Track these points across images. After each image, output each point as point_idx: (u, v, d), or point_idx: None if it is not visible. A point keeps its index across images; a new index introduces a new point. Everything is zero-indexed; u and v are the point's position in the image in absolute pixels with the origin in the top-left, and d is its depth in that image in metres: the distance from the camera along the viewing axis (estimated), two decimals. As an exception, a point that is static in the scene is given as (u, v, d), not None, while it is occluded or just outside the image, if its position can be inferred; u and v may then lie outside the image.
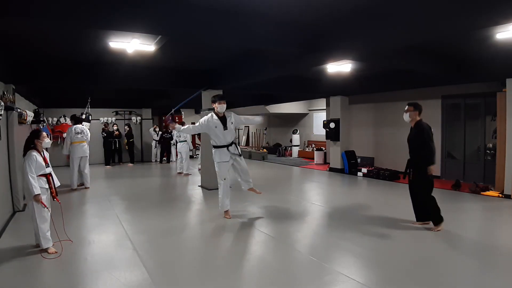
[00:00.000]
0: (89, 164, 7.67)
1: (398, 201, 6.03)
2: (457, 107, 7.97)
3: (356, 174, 9.02)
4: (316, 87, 9.02)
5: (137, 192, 7.35)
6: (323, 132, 11.21)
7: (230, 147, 4.91)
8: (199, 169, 9.34)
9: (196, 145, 12.79)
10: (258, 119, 5.29)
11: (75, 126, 7.48)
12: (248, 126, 18.13)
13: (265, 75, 5.98)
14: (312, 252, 3.76)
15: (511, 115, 6.00)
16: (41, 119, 9.05)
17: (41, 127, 8.71)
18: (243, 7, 3.54)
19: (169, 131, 12.37)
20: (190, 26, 3.52)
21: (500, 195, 6.14)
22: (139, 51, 4.71)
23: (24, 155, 3.70)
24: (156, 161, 12.96)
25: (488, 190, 6.45)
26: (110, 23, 3.23)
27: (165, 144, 12.60)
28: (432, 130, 4.33)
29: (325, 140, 11.33)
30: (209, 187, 7.10)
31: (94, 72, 6.25)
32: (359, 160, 9.70)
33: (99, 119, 12.21)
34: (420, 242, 3.98)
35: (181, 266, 3.48)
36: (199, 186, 7.68)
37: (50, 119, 11.47)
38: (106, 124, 12.13)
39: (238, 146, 5.11)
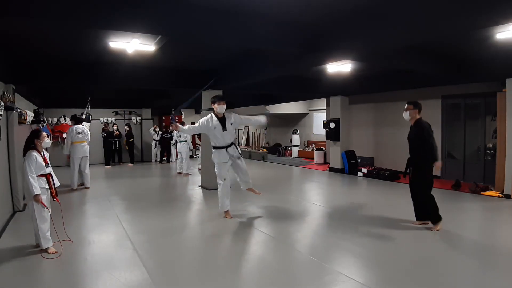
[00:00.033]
0: (89, 164, 7.67)
1: (398, 201, 6.03)
2: (457, 107, 7.96)
3: (356, 174, 9.02)
4: (316, 87, 9.02)
5: (137, 192, 7.35)
6: (323, 132, 11.21)
7: (229, 148, 4.91)
8: (199, 169, 9.34)
9: (196, 145, 12.79)
10: (263, 119, 5.11)
11: (75, 126, 7.48)
12: (248, 126, 18.13)
13: (265, 75, 5.99)
14: (312, 252, 3.76)
15: (511, 115, 6.00)
16: (41, 119, 9.05)
17: (41, 127, 8.71)
18: (243, 7, 3.54)
19: (169, 131, 12.38)
20: (190, 26, 3.52)
21: (500, 195, 6.14)
22: (139, 51, 4.71)
23: (24, 155, 3.70)
24: (156, 161, 12.96)
25: (488, 190, 6.45)
26: (110, 23, 3.23)
27: (165, 144, 12.60)
28: (432, 129, 4.33)
29: (325, 140, 11.33)
30: (209, 187, 7.10)
31: (94, 72, 6.25)
32: (359, 160, 9.70)
33: (99, 119, 12.21)
34: (420, 242, 3.98)
35: (181, 266, 3.48)
36: (199, 186, 7.69)
37: (50, 119, 11.47)
38: (106, 124, 12.13)
39: (238, 147, 5.10)
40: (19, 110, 5.80)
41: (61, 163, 10.58)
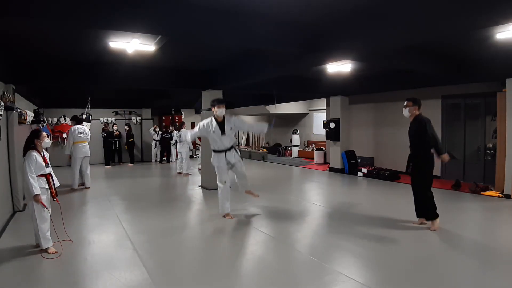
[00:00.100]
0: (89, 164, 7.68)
1: (398, 201, 6.04)
2: (457, 107, 7.96)
3: (356, 174, 9.02)
4: (316, 87, 9.02)
5: (137, 192, 7.35)
6: (323, 132, 11.21)
7: (228, 153, 4.89)
8: (199, 169, 9.34)
9: (196, 145, 12.79)
10: (265, 129, 5.04)
11: (77, 126, 7.49)
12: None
13: (265, 75, 5.98)
14: (312, 252, 3.76)
15: (511, 115, 6.00)
16: (41, 119, 9.06)
17: (41, 127, 8.72)
18: (243, 7, 3.54)
19: (169, 131, 12.38)
20: (190, 26, 3.52)
21: (500, 195, 6.14)
22: (139, 51, 4.70)
23: (24, 155, 3.70)
24: (156, 161, 12.96)
25: (488, 190, 6.45)
26: (110, 23, 3.23)
27: (165, 144, 12.60)
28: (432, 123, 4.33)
29: (325, 140, 11.33)
30: (209, 187, 7.10)
31: (94, 72, 6.25)
32: (359, 160, 9.70)
33: (99, 119, 12.22)
34: (420, 242, 3.98)
35: (181, 266, 3.48)
36: (199, 186, 7.69)
37: (50, 119, 11.47)
38: (106, 124, 12.13)
39: (237, 151, 5.07)
40: (19, 110, 5.80)
41: (61, 163, 10.58)
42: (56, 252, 3.65)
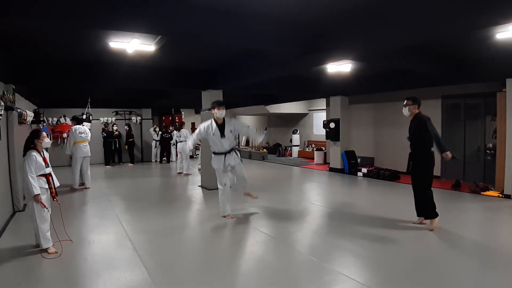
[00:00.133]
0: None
1: (398, 201, 6.04)
2: (457, 107, 7.96)
3: (356, 174, 9.02)
4: (316, 87, 9.01)
5: (137, 192, 7.35)
6: (323, 132, 11.21)
7: (228, 155, 4.89)
8: (199, 169, 9.34)
9: (196, 145, 12.79)
10: (260, 138, 5.23)
11: (77, 126, 7.50)
12: (248, 126, 18.10)
13: (265, 75, 5.99)
14: (312, 252, 3.76)
15: (511, 115, 6.00)
16: (41, 119, 9.06)
17: (41, 127, 8.72)
18: (243, 7, 3.54)
19: (169, 131, 12.38)
20: (190, 26, 3.52)
21: (500, 195, 6.14)
22: (139, 51, 4.70)
23: (24, 155, 3.70)
24: (156, 161, 12.96)
25: (488, 190, 6.45)
26: (110, 23, 3.22)
27: (165, 144, 12.60)
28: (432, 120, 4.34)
29: (325, 140, 11.33)
30: (209, 187, 7.10)
31: (94, 72, 6.25)
32: (359, 160, 9.70)
33: (99, 119, 12.22)
34: (420, 242, 3.98)
35: (181, 266, 3.48)
36: (199, 186, 7.69)
37: (50, 119, 11.47)
38: (106, 124, 12.13)
39: (238, 153, 5.06)
40: (19, 110, 5.80)
41: (61, 163, 10.58)
42: (56, 252, 3.65)
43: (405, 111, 4.46)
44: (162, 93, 11.34)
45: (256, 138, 5.28)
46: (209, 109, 5.65)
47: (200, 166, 8.80)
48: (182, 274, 3.28)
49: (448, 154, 4.19)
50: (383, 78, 7.81)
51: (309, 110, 14.43)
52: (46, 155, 3.90)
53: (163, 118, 15.03)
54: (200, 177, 8.06)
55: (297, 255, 3.70)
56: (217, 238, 4.32)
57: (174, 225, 4.83)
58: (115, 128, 12.12)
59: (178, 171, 9.81)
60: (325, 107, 11.61)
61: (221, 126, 4.83)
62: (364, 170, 8.87)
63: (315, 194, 7.24)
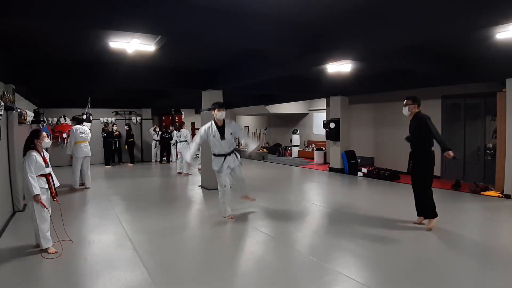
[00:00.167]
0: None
1: (398, 201, 6.04)
2: (457, 107, 7.96)
3: (356, 174, 9.02)
4: (316, 87, 9.01)
5: (137, 192, 7.35)
6: (323, 132, 11.21)
7: (228, 157, 4.90)
8: (199, 169, 9.34)
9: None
10: (253, 145, 5.13)
11: (78, 126, 7.50)
12: (248, 126, 18.14)
13: (265, 75, 5.99)
14: (312, 252, 3.76)
15: (511, 115, 6.00)
16: (41, 119, 9.06)
17: (41, 127, 8.72)
18: (243, 7, 3.54)
19: (169, 131, 12.38)
20: (190, 26, 3.52)
21: (500, 195, 6.14)
22: (139, 51, 4.70)
23: (24, 155, 3.70)
24: (156, 161, 12.96)
25: (488, 190, 6.45)
26: (110, 23, 3.23)
27: (165, 144, 12.60)
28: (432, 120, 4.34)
29: (325, 140, 11.32)
30: (209, 187, 7.10)
31: (94, 72, 6.25)
32: (359, 160, 9.70)
33: (99, 119, 12.22)
34: (420, 242, 3.98)
35: (181, 266, 3.48)
36: (199, 186, 7.69)
37: (50, 119, 11.47)
38: (106, 124, 12.13)
39: (238, 155, 5.06)
40: (19, 110, 5.80)
41: (61, 163, 10.57)
42: (56, 252, 3.65)
43: (405, 110, 4.47)
44: (162, 93, 11.34)
45: (249, 144, 5.18)
46: (209, 109, 5.64)
47: (200, 166, 8.80)
48: (182, 274, 3.28)
49: (450, 153, 4.17)
50: (383, 78, 7.81)
51: (309, 110, 14.43)
52: (46, 155, 3.90)
53: (163, 118, 15.03)
54: (200, 177, 8.05)
55: (297, 255, 3.70)
56: (217, 238, 4.32)
57: (174, 225, 4.83)
58: (115, 128, 12.12)
59: (178, 171, 9.81)
60: (325, 107, 11.61)
61: (221, 128, 4.84)
62: (364, 170, 8.87)
63: (315, 194, 7.24)
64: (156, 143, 12.84)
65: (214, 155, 4.96)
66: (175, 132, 10.75)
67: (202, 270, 3.37)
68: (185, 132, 9.75)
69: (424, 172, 4.35)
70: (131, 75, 6.51)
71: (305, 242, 4.19)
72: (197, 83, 7.21)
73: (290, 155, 13.99)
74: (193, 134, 13.64)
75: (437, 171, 6.93)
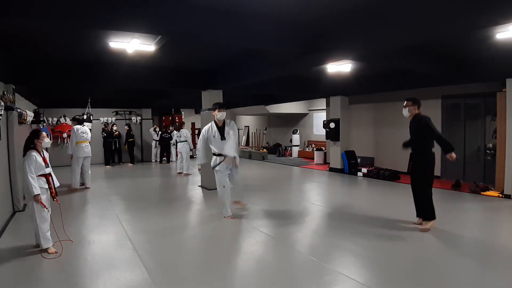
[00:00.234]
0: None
1: (398, 201, 6.04)
2: (457, 107, 7.97)
3: (356, 174, 9.02)
4: (316, 87, 9.02)
5: (137, 192, 7.35)
6: (323, 132, 11.21)
7: (228, 157, 4.90)
8: (199, 169, 9.34)
9: (196, 145, 12.80)
10: (231, 152, 4.86)
11: (79, 126, 7.50)
12: (248, 126, 18.15)
13: (265, 75, 5.99)
14: (312, 252, 3.76)
15: (511, 115, 6.00)
16: (41, 119, 9.06)
17: (41, 127, 8.72)
18: (243, 7, 3.54)
19: (169, 131, 12.38)
20: (190, 26, 3.52)
21: (500, 195, 6.14)
22: (139, 51, 4.70)
23: (24, 155, 3.70)
24: (156, 161, 12.96)
25: (488, 190, 6.45)
26: (110, 23, 3.23)
27: (165, 144, 12.60)
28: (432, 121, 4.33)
29: (325, 140, 11.33)
30: (209, 187, 7.09)
31: (94, 72, 6.25)
32: (359, 160, 9.70)
33: (99, 119, 12.22)
34: (420, 242, 3.98)
35: (181, 266, 3.48)
36: (199, 186, 7.69)
37: (50, 119, 11.47)
38: (106, 124, 12.13)
39: (237, 157, 5.03)
40: (19, 110, 5.80)
41: (61, 163, 10.56)
42: (56, 252, 3.65)
43: (405, 112, 4.46)
44: (162, 93, 11.34)
45: (230, 149, 4.89)
46: (209, 110, 5.64)
47: (200, 166, 8.80)
48: (182, 274, 3.28)
49: (453, 155, 4.15)
50: (383, 78, 7.81)
51: (309, 110, 14.44)
52: (46, 155, 3.90)
53: (163, 118, 15.03)
54: (200, 177, 8.05)
55: (297, 255, 3.70)
56: (217, 238, 4.32)
57: (174, 225, 4.83)
58: (114, 128, 12.12)
59: (178, 171, 9.81)
60: (325, 107, 11.61)
61: (221, 128, 4.86)
62: (364, 170, 8.87)
63: (315, 194, 7.24)
64: (156, 143, 12.84)
65: (214, 154, 4.96)
66: (175, 132, 10.75)
67: (202, 270, 3.37)
68: (185, 132, 9.75)
69: (424, 172, 4.34)
70: (131, 75, 6.52)
71: (305, 242, 4.19)
72: (197, 83, 7.21)
73: (290, 155, 14.00)
74: (193, 134, 13.69)
75: (437, 171, 6.93)
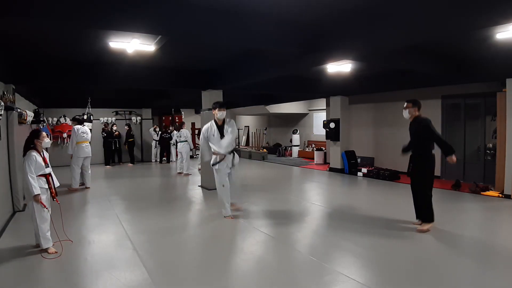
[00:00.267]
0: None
1: (398, 201, 6.04)
2: (457, 107, 7.97)
3: (356, 174, 9.02)
4: (316, 87, 9.02)
5: (137, 192, 7.35)
6: (323, 132, 11.21)
7: (227, 156, 4.91)
8: (199, 169, 9.34)
9: (196, 144, 12.80)
10: (223, 150, 4.87)
11: (79, 126, 7.50)
12: (248, 126, 18.15)
13: (265, 75, 5.99)
14: (312, 252, 3.76)
15: (511, 115, 6.00)
16: (41, 119, 9.06)
17: (41, 127, 8.72)
18: (243, 7, 3.54)
19: (169, 131, 12.38)
20: (190, 26, 3.52)
21: (500, 195, 6.14)
22: (139, 51, 4.70)
23: (24, 155, 3.70)
24: (156, 161, 12.96)
25: (488, 190, 6.45)
26: (110, 23, 3.23)
27: (165, 144, 12.60)
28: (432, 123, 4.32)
29: (325, 140, 11.33)
30: (209, 187, 7.09)
31: (94, 72, 6.25)
32: (359, 160, 9.70)
33: (99, 119, 12.22)
34: (420, 242, 3.98)
35: (181, 266, 3.48)
36: (199, 186, 7.69)
37: (50, 119, 11.47)
38: (106, 124, 12.13)
39: (236, 156, 5.05)
40: (19, 110, 5.80)
41: (61, 163, 10.56)
42: (56, 252, 3.65)
43: (405, 113, 4.45)
44: (162, 93, 11.34)
45: (227, 146, 4.90)
46: (209, 109, 5.64)
47: (200, 166, 8.80)
48: (182, 274, 3.28)
49: (454, 158, 4.14)
50: (383, 78, 7.81)
51: (309, 110, 14.44)
52: (46, 155, 3.90)
53: (163, 118, 15.03)
54: (200, 177, 8.05)
55: (297, 255, 3.70)
56: (217, 238, 4.32)
57: (174, 225, 4.83)
58: (114, 128, 12.12)
59: (178, 171, 9.81)
60: (325, 107, 11.61)
61: (221, 127, 4.88)
62: (364, 170, 8.87)
63: (315, 194, 7.24)
64: (156, 143, 12.84)
65: (214, 153, 4.97)
66: (175, 132, 10.76)
67: (202, 270, 3.37)
68: (185, 132, 9.75)
69: (424, 174, 4.31)
70: (131, 75, 6.52)
71: (305, 242, 4.19)
72: (197, 83, 7.21)
73: (290, 155, 13.99)
74: (193, 134, 13.69)
75: (437, 171, 6.93)
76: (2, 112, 4.62)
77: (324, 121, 10.49)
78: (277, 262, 3.52)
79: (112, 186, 8.03)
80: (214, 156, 4.97)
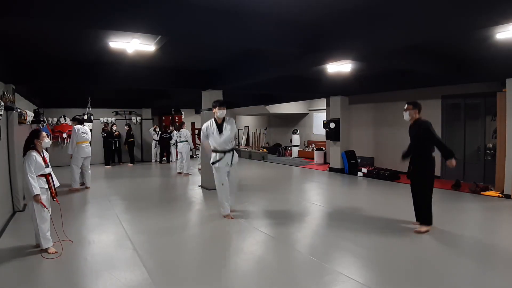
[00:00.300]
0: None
1: (398, 201, 6.04)
2: (457, 107, 7.97)
3: (356, 174, 9.02)
4: (316, 87, 9.02)
5: (137, 192, 7.35)
6: (323, 132, 11.21)
7: (227, 154, 4.92)
8: (199, 169, 9.34)
9: (196, 145, 12.80)
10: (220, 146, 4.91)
11: (79, 126, 7.51)
12: (248, 126, 18.16)
13: (265, 75, 5.99)
14: (312, 252, 3.76)
15: (511, 115, 6.00)
16: (41, 119, 9.06)
17: (41, 127, 8.72)
18: (243, 7, 3.54)
19: (168, 131, 12.39)
20: (190, 26, 3.52)
21: (500, 195, 6.14)
22: (139, 51, 4.70)
23: (24, 155, 3.70)
24: (156, 161, 12.96)
25: (488, 190, 6.45)
26: (110, 23, 3.23)
27: (164, 144, 12.60)
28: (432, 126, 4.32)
29: (325, 140, 11.33)
30: (209, 187, 7.09)
31: (94, 72, 6.25)
32: (359, 160, 9.70)
33: (99, 119, 12.22)
34: (420, 242, 3.98)
35: (181, 266, 3.48)
36: (199, 186, 7.69)
37: (50, 119, 11.47)
38: (106, 124, 12.14)
39: (235, 155, 5.05)
40: (19, 110, 5.81)
41: (61, 163, 10.56)
42: (56, 252, 3.65)
43: (406, 115, 4.45)
44: (162, 93, 11.34)
45: (226, 143, 4.94)
46: (210, 109, 5.63)
47: (200, 166, 8.80)
48: (182, 274, 3.28)
49: (453, 162, 4.12)
50: (383, 78, 7.80)
51: (309, 110, 14.44)
52: (46, 155, 3.90)
53: (163, 118, 15.04)
54: (200, 177, 8.05)
55: (297, 255, 3.70)
56: (217, 238, 4.32)
57: (174, 225, 4.83)
58: (114, 128, 12.12)
59: (178, 171, 9.81)
60: (325, 107, 11.61)
61: (220, 125, 4.89)
62: (364, 170, 8.87)
63: (315, 194, 7.24)
64: (155, 143, 12.84)
65: (214, 151, 4.99)
66: (175, 132, 10.76)
67: (202, 270, 3.37)
68: (185, 132, 9.75)
69: (424, 175, 4.30)
70: (131, 75, 6.52)
71: (305, 242, 4.19)
72: (197, 83, 7.21)
73: (290, 155, 14.00)
74: (193, 134, 13.68)
75: (437, 171, 6.93)
76: (2, 112, 4.62)
77: (324, 121, 10.50)
78: (277, 262, 3.52)
79: (112, 186, 8.03)
80: (213, 155, 4.98)
